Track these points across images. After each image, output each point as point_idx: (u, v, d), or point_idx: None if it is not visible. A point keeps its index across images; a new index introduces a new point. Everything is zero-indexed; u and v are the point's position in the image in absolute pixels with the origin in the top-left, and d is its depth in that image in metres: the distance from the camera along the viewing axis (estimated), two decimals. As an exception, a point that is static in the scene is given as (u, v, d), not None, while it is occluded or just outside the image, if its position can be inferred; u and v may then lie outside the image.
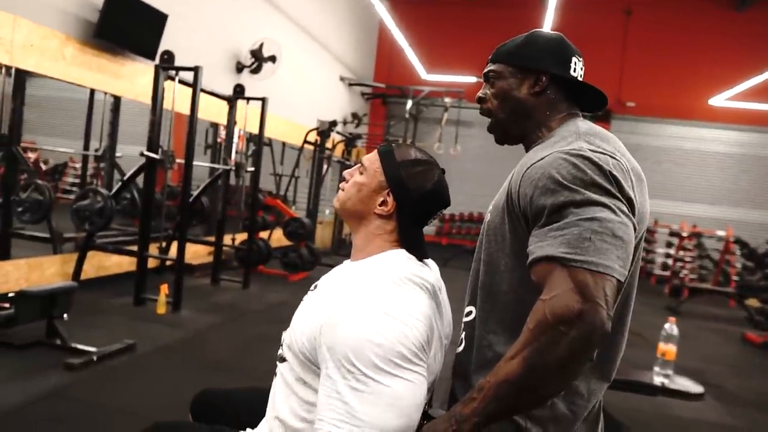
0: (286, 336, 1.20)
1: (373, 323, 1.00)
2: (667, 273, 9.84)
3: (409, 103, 11.38)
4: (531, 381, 0.90)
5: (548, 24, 8.36)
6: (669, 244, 10.27)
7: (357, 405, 0.96)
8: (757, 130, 11.66)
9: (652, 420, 3.35)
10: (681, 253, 8.94)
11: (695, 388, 2.71)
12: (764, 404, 4.03)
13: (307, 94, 9.23)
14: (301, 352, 1.10)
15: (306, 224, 6.76)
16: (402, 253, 1.17)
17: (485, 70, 1.24)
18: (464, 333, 1.20)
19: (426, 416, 1.15)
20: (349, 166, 9.74)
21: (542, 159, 1.03)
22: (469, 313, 1.19)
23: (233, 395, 1.56)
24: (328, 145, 8.45)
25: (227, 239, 6.03)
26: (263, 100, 5.66)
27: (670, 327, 2.84)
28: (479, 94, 1.25)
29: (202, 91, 4.65)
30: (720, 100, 10.79)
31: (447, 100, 11.62)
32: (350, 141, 9.46)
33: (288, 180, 7.83)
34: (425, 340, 1.04)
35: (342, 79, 11.01)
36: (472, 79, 11.47)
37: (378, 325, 1.00)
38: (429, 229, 13.61)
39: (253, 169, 5.87)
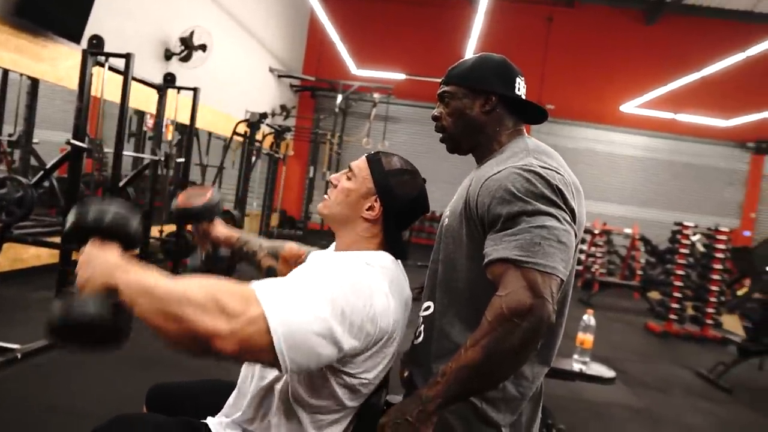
0: None
1: (352, 275, 1.09)
2: (580, 267, 10.51)
3: (339, 98, 11.42)
4: (489, 366, 1.05)
5: (477, 25, 8.65)
6: (582, 241, 10.95)
7: (289, 283, 1.02)
8: (663, 137, 12.64)
9: (569, 404, 3.64)
10: (593, 249, 9.57)
11: (608, 373, 2.99)
12: (664, 387, 4.47)
13: (235, 84, 9.07)
14: None
15: (235, 216, 6.67)
16: (387, 256, 1.25)
17: (439, 91, 1.38)
18: (423, 326, 1.32)
19: (386, 403, 1.26)
20: (278, 159, 9.70)
21: (499, 173, 1.18)
22: (428, 307, 1.32)
23: (190, 387, 1.59)
24: (258, 137, 8.35)
25: (154, 231, 5.86)
26: (195, 90, 5.53)
27: (588, 318, 3.11)
28: (434, 113, 1.38)
29: (133, 79, 4.49)
30: (630, 107, 11.61)
31: (376, 95, 11.76)
32: (279, 133, 9.38)
33: (216, 172, 7.68)
34: (372, 313, 1.07)
35: (271, 70, 10.88)
36: (401, 76, 11.69)
37: (355, 277, 1.08)
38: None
39: (183, 159, 5.73)
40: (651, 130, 12.56)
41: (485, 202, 1.15)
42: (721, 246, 6.44)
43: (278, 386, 1.18)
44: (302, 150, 12.88)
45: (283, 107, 11.20)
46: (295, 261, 1.58)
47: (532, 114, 1.37)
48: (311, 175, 10.77)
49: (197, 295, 0.93)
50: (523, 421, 1.24)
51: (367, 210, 1.25)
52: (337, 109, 11.54)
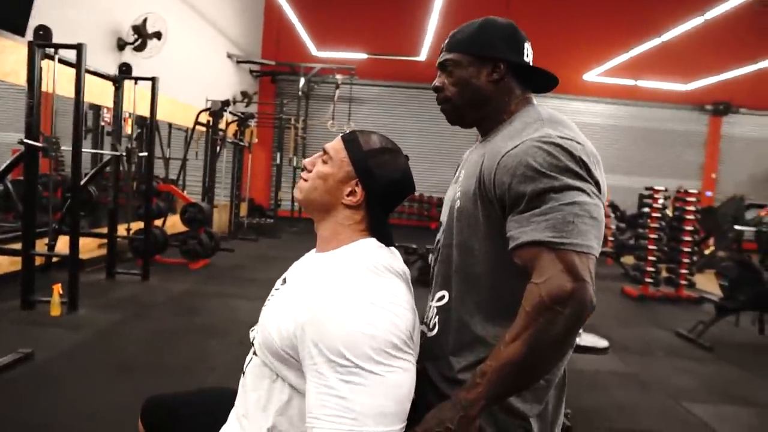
0: (257, 335, 1.16)
1: (363, 315, 0.99)
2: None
3: (302, 81, 11.19)
4: (533, 360, 0.97)
5: (437, 2, 8.52)
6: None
7: (353, 397, 0.94)
8: (625, 103, 12.81)
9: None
10: (563, 218, 9.66)
11: (601, 342, 3.00)
12: (648, 350, 4.53)
13: (193, 73, 8.75)
14: (278, 350, 1.06)
15: (205, 209, 6.49)
16: (373, 242, 1.15)
17: (441, 59, 1.25)
18: (437, 317, 1.22)
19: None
20: (243, 148, 9.46)
21: (515, 147, 1.07)
22: (442, 297, 1.22)
23: (188, 398, 1.48)
24: (221, 125, 8.11)
25: (121, 230, 5.63)
26: (153, 80, 5.29)
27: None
28: (435, 83, 1.26)
29: (87, 71, 4.25)
30: (593, 75, 11.70)
31: (338, 77, 11.56)
32: (243, 121, 9.13)
33: (181, 163, 7.43)
34: (412, 327, 1.05)
35: (229, 56, 10.55)
36: (363, 56, 11.50)
37: (368, 316, 0.99)
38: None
39: (146, 154, 5.49)
40: (613, 97, 12.71)
41: (504, 180, 1.05)
42: (691, 208, 6.55)
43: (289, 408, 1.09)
44: (266, 137, 12.61)
45: (244, 94, 10.90)
46: None
47: (540, 81, 1.27)
48: (278, 161, 10.54)
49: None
50: (549, 409, 1.16)
51: (347, 196, 1.14)
52: (300, 93, 11.30)
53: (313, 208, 1.18)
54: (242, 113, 9.12)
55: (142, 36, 6.47)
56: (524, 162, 1.03)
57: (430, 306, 1.26)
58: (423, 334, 1.26)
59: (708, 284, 7.30)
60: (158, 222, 6.51)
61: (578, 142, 1.08)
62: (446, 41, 1.26)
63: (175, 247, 6.51)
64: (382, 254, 1.14)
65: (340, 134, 1.21)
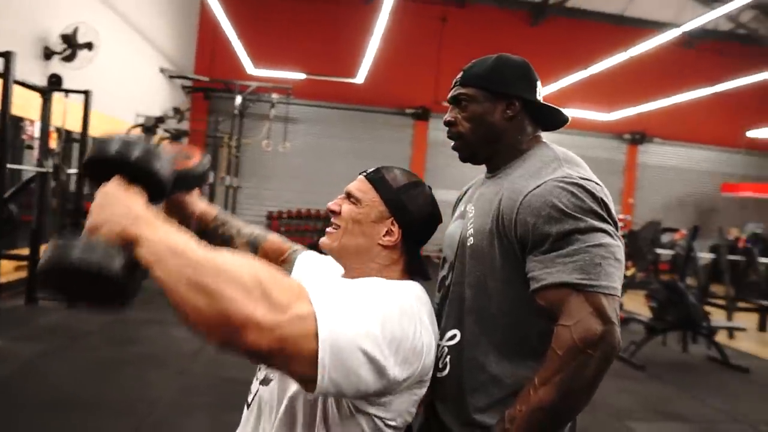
0: None
1: (401, 294, 0.96)
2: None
3: (238, 99, 10.95)
4: (564, 404, 0.96)
5: (380, 25, 8.63)
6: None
7: (342, 296, 0.87)
8: (553, 131, 13.41)
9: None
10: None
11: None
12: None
13: (124, 86, 8.36)
14: None
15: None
16: (419, 288, 1.09)
17: (455, 93, 1.24)
18: (449, 357, 1.18)
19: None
20: (176, 165, 9.11)
21: (538, 187, 1.07)
22: (454, 336, 1.18)
23: None
24: (154, 142, 7.77)
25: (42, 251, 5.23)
26: (87, 93, 5.00)
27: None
28: (448, 117, 1.24)
29: (15, 82, 3.96)
30: (522, 103, 12.19)
31: (274, 96, 11.43)
32: (176, 138, 8.81)
33: (109, 181, 7.04)
34: (427, 361, 0.98)
35: (162, 70, 10.18)
36: (300, 76, 11.43)
37: (392, 312, 0.91)
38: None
39: (75, 171, 5.16)
40: (542, 125, 13.31)
41: (528, 220, 1.04)
42: (620, 233, 6.89)
43: None
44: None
45: (176, 110, 10.51)
46: (277, 257, 1.37)
47: (550, 119, 1.28)
48: (211, 180, 10.21)
49: (238, 272, 0.75)
50: None
51: (384, 236, 1.09)
52: (236, 111, 11.05)
53: (348, 253, 1.11)
54: (175, 130, 8.79)
55: (72, 46, 6.11)
56: (549, 202, 1.03)
57: (441, 345, 1.22)
58: (433, 374, 1.23)
59: (632, 305, 7.70)
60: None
61: (597, 183, 1.09)
62: (459, 76, 1.25)
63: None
64: (428, 300, 1.08)
65: (362, 174, 1.16)
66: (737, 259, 7.72)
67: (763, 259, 7.70)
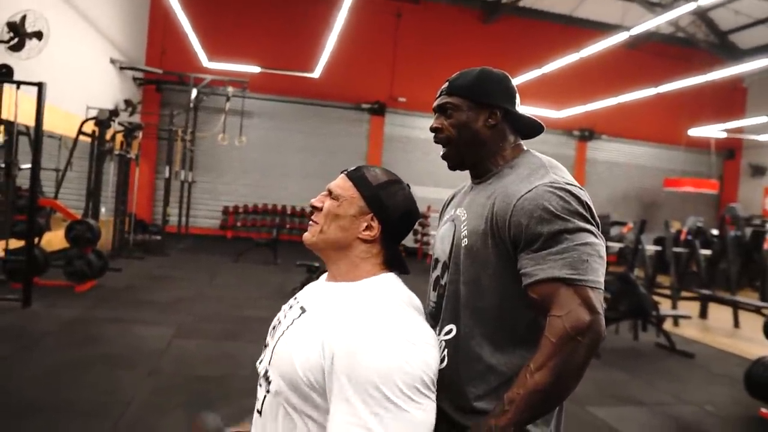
0: (273, 365, 1.11)
1: (400, 351, 1.01)
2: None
3: (194, 92, 10.75)
4: (558, 386, 1.06)
5: (338, 20, 8.62)
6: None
7: (379, 430, 0.96)
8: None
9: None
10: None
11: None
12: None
13: (73, 77, 8.06)
14: (297, 381, 1.04)
15: (94, 227, 5.98)
16: (393, 277, 1.18)
17: (441, 102, 1.33)
18: (446, 350, 1.27)
19: None
20: (129, 160, 8.85)
21: (529, 191, 1.17)
22: (450, 330, 1.27)
23: None
24: (108, 136, 7.53)
25: (-6, 250, 5.02)
26: (40, 85, 4.82)
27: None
28: (434, 124, 1.34)
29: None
30: (476, 100, 12.43)
31: (230, 89, 11.26)
32: (129, 132, 8.56)
33: (60, 176, 6.79)
34: (437, 366, 1.09)
35: (113, 61, 9.86)
36: (256, 69, 11.30)
37: (405, 353, 1.01)
38: (213, 223, 13.06)
39: (29, 166, 4.96)
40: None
41: (522, 222, 1.14)
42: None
43: None
44: (150, 148, 11.92)
45: (127, 102, 10.22)
46: None
47: (528, 128, 1.38)
48: (166, 175, 9.97)
49: None
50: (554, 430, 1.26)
51: (364, 231, 1.15)
52: (191, 105, 10.81)
53: (328, 247, 1.18)
54: (129, 123, 8.54)
55: (19, 35, 5.86)
56: (541, 205, 1.13)
57: (438, 339, 1.30)
58: None
59: (585, 295, 8.01)
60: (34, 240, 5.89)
61: (580, 188, 1.20)
62: (445, 86, 1.34)
63: (55, 268, 5.92)
64: (405, 290, 1.16)
65: (343, 171, 1.21)
66: (680, 251, 8.14)
67: (703, 251, 8.16)
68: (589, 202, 1.16)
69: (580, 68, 11.27)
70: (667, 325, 6.16)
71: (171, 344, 4.29)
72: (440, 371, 1.26)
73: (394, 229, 1.17)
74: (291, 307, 1.20)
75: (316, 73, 11.53)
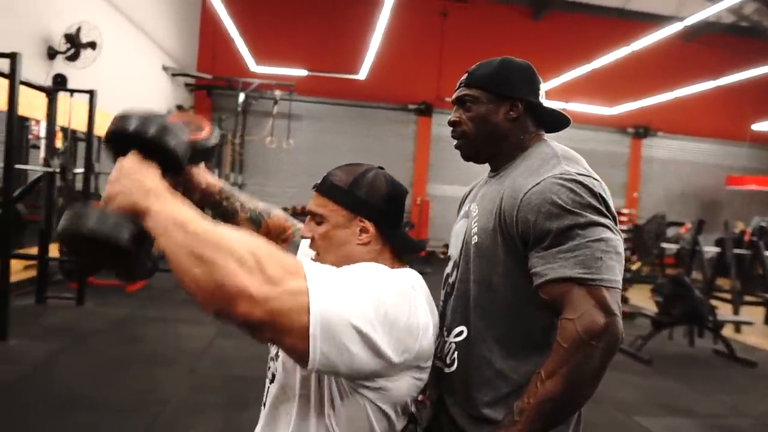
0: (280, 358, 1.09)
1: (396, 277, 0.97)
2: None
3: (242, 96, 10.97)
4: (572, 395, 0.98)
5: (382, 21, 8.62)
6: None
7: (337, 273, 0.89)
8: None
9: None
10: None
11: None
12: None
13: (127, 84, 8.37)
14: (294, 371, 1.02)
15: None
16: (414, 274, 1.11)
17: (459, 94, 1.26)
18: (456, 353, 1.21)
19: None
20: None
21: (537, 185, 1.09)
22: (461, 333, 1.21)
23: None
24: (158, 140, 7.78)
25: (53, 250, 5.25)
26: (92, 93, 5.01)
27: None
28: (452, 117, 1.27)
29: (21, 82, 3.97)
30: (525, 98, 12.17)
31: (277, 93, 11.44)
32: (180, 136, 8.81)
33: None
34: (423, 342, 0.98)
35: (165, 68, 10.19)
36: (303, 72, 11.44)
37: (398, 295, 0.94)
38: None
39: (82, 170, 5.18)
40: (544, 119, 13.28)
41: (529, 218, 1.07)
42: (623, 227, 6.90)
43: None
44: (202, 152, 12.25)
45: (179, 107, 10.55)
46: (279, 234, 1.39)
47: (553, 122, 1.30)
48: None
49: (237, 245, 0.79)
50: None
51: (360, 236, 1.11)
52: (239, 109, 11.05)
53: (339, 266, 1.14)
54: (179, 128, 8.79)
55: (75, 45, 6.13)
56: (548, 199, 1.05)
57: (447, 341, 1.25)
58: (439, 369, 1.25)
59: (638, 299, 7.71)
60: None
61: (595, 179, 1.11)
62: (464, 77, 1.27)
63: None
64: (424, 285, 1.09)
65: (313, 188, 1.16)
66: (743, 253, 7.69)
67: (768, 253, 7.68)
68: (604, 194, 1.08)
69: (634, 63, 10.86)
70: (728, 332, 5.82)
71: (212, 344, 4.37)
72: (448, 375, 1.21)
73: (386, 217, 1.12)
74: None
75: (362, 75, 11.57)
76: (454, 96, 1.27)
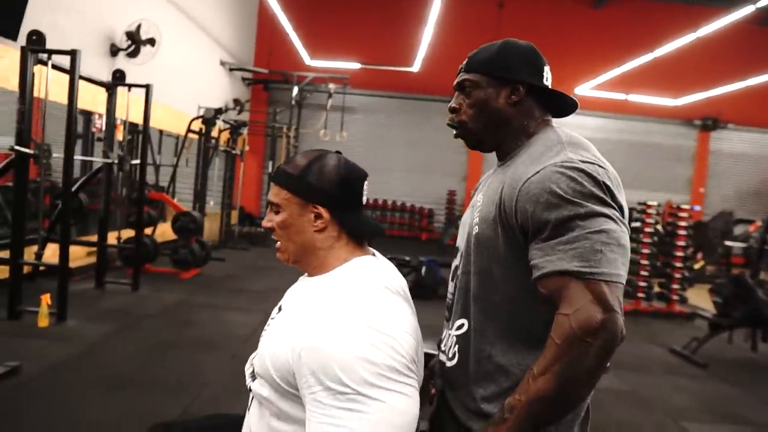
0: (256, 362, 1.11)
1: (360, 339, 0.95)
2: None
3: (295, 90, 11.15)
4: (563, 394, 0.94)
5: (431, 13, 8.54)
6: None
7: (356, 425, 0.91)
8: (615, 117, 12.92)
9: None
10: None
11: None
12: (644, 367, 4.51)
13: (185, 79, 8.68)
14: (275, 380, 1.02)
15: (197, 219, 6.40)
16: (367, 260, 1.12)
17: (459, 80, 1.22)
18: (457, 346, 1.18)
19: None
20: (235, 155, 9.40)
21: (537, 173, 1.04)
22: (462, 326, 1.18)
23: (195, 424, 1.42)
24: (214, 133, 8.04)
25: (111, 237, 5.53)
26: (147, 87, 5.22)
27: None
28: (452, 104, 1.23)
29: (80, 77, 4.18)
30: (584, 89, 11.77)
31: (331, 86, 11.54)
32: (235, 129, 9.07)
33: (172, 171, 7.34)
34: (414, 351, 1.02)
35: (222, 63, 10.49)
36: (356, 65, 11.50)
37: (366, 340, 0.95)
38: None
39: (138, 161, 5.41)
40: (603, 111, 12.81)
41: (527, 208, 1.02)
42: (683, 223, 6.58)
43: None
44: (258, 145, 12.55)
45: (236, 101, 10.83)
46: None
47: (559, 105, 1.24)
48: (269, 170, 10.47)
49: None
50: None
51: (315, 222, 1.10)
52: (293, 102, 11.25)
53: (299, 257, 1.15)
54: (234, 121, 9.05)
55: (135, 42, 6.40)
56: (547, 188, 1.00)
57: (449, 335, 1.22)
58: (442, 363, 1.23)
59: (698, 299, 7.33)
60: (148, 230, 6.43)
61: (600, 166, 1.05)
62: (465, 62, 1.24)
63: (165, 256, 6.42)
64: (379, 272, 1.11)
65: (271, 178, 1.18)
66: (818, 253, 7.17)
67: None
68: (608, 183, 1.02)
69: (701, 51, 10.32)
70: (795, 337, 5.44)
71: (256, 332, 4.48)
72: (449, 368, 1.19)
73: (339, 201, 1.11)
74: (279, 307, 1.19)
75: (416, 67, 11.52)
76: (455, 81, 1.24)
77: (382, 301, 1.03)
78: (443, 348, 1.24)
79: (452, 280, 1.26)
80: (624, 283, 0.98)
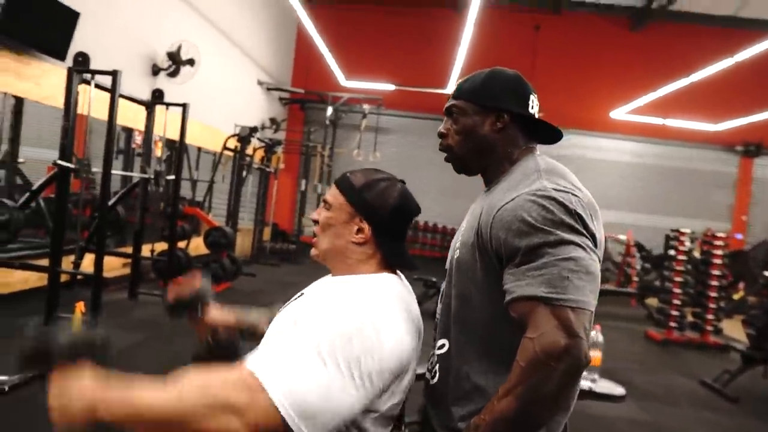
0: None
1: (356, 325, 0.96)
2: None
3: (330, 110, 11.35)
4: (525, 416, 0.97)
5: (466, 35, 8.63)
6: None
7: (282, 350, 0.93)
8: (652, 142, 12.68)
9: (575, 421, 3.54)
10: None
11: (618, 390, 2.92)
12: (670, 398, 4.39)
13: (224, 98, 8.96)
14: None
15: (228, 234, 6.57)
16: (391, 277, 1.15)
17: (447, 105, 1.28)
18: (438, 365, 1.22)
19: None
20: (269, 173, 9.62)
21: (511, 201, 1.09)
22: (443, 345, 1.22)
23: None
24: (248, 151, 8.26)
25: (145, 250, 5.73)
26: (184, 106, 5.44)
27: (596, 334, 3.03)
28: (440, 129, 1.29)
29: (120, 96, 4.39)
30: (620, 113, 11.62)
31: (366, 106, 11.72)
32: (270, 147, 9.29)
33: (208, 187, 7.57)
34: (391, 370, 0.99)
35: (260, 83, 10.79)
36: (391, 87, 11.66)
37: (361, 329, 0.96)
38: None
39: (173, 177, 5.61)
40: (640, 135, 12.59)
41: (500, 235, 1.07)
42: (719, 252, 6.40)
43: None
44: (293, 163, 12.79)
45: (272, 120, 11.11)
46: None
47: (545, 133, 1.28)
48: (303, 188, 10.66)
49: (195, 398, 0.87)
50: None
51: (356, 234, 1.15)
52: (327, 122, 11.45)
53: (329, 257, 1.19)
54: (270, 139, 9.28)
55: (176, 62, 6.67)
56: (519, 216, 1.05)
57: (433, 353, 1.27)
58: (426, 380, 1.27)
59: (736, 331, 7.08)
60: (182, 244, 6.62)
61: (574, 195, 1.08)
62: (455, 89, 1.29)
63: (197, 270, 6.60)
64: (399, 289, 1.14)
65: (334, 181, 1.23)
66: None
67: None
68: (580, 211, 1.05)
69: (742, 74, 10.08)
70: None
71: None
72: (431, 386, 1.24)
73: (386, 227, 1.16)
74: (300, 293, 1.24)
75: (449, 89, 11.60)
76: (445, 107, 1.30)
77: (393, 311, 1.05)
78: (428, 367, 1.28)
79: (440, 301, 1.30)
80: (592, 310, 1.01)
